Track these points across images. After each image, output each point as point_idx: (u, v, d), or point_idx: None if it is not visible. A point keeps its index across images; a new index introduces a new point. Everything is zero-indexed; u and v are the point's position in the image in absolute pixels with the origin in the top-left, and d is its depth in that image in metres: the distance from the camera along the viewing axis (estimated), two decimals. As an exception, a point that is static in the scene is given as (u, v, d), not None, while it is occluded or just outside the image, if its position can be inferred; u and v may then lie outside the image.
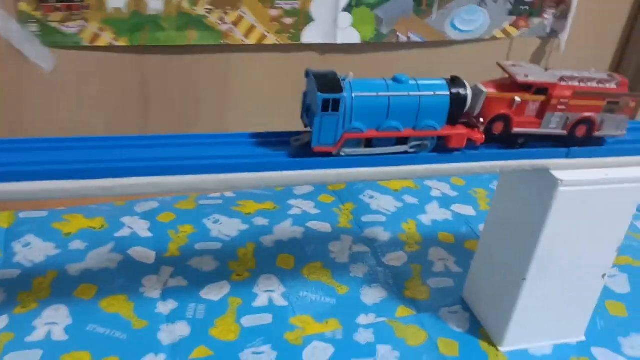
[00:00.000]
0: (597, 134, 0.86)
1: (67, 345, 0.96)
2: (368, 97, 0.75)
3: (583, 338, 1.05)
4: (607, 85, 0.84)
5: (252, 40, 1.34)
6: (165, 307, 1.06)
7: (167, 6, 1.25)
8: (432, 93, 0.77)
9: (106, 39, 1.26)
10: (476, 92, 0.81)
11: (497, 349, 1.01)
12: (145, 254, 1.19)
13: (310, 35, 1.37)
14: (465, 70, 1.53)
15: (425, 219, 1.37)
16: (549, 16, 1.54)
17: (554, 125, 0.84)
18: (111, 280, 1.11)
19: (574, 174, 0.86)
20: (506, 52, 1.56)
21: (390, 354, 0.99)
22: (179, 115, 1.41)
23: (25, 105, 1.30)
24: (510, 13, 1.51)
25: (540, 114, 0.83)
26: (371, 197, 1.44)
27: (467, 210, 1.42)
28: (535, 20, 1.54)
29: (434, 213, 1.40)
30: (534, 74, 0.83)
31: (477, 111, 0.82)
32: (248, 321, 1.04)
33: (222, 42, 1.32)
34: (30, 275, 1.11)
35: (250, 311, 1.06)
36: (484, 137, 0.81)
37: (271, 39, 1.35)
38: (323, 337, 1.01)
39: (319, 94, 0.72)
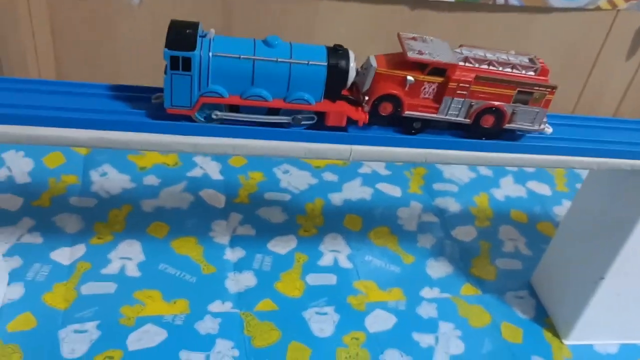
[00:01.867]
0: (508, 126, 0.75)
1: (140, 282, 1.00)
2: (229, 59, 0.67)
3: (653, 341, 1.02)
4: (524, 72, 0.73)
5: (342, -11, 1.29)
6: (233, 255, 1.08)
7: (260, -53, 1.21)
8: (306, 62, 0.68)
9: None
10: (366, 65, 0.72)
11: (561, 341, 0.99)
12: (215, 197, 1.21)
13: (402, -11, 1.30)
14: (560, 41, 1.46)
15: (498, 194, 1.33)
16: (664, -10, 1.42)
17: (454, 112, 0.73)
18: (182, 221, 1.14)
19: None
20: (608, 25, 1.45)
21: (451, 332, 0.98)
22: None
23: (112, 35, 1.30)
24: (622, -17, 1.39)
25: (438, 97, 0.72)
26: (444, 163, 1.40)
27: (543, 189, 1.37)
28: (649, -6, 1.42)
29: (507, 188, 1.36)
30: (434, 51, 0.71)
31: (365, 87, 0.72)
32: (313, 279, 1.05)
33: (311, -12, 1.28)
34: (106, 207, 1.14)
35: (316, 269, 1.07)
36: (367, 117, 0.72)
37: (362, -10, 1.30)
38: (385, 305, 1.02)
39: (166, 49, 0.65)
